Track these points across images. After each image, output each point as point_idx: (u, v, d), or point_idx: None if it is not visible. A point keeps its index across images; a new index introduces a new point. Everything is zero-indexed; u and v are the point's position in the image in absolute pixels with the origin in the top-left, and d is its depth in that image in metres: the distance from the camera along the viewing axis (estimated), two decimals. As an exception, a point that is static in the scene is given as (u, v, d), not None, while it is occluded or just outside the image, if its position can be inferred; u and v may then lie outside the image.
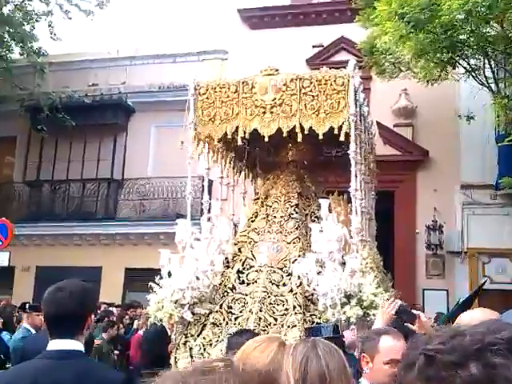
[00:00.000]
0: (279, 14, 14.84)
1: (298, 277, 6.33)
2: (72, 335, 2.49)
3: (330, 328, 4.67)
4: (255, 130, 6.87)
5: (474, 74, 10.74)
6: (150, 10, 30.73)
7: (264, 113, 6.84)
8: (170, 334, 5.98)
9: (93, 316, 3.09)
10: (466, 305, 8.39)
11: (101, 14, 15.72)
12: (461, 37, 9.72)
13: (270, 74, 6.99)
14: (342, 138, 6.47)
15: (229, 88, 7.04)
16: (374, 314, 5.66)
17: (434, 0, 8.90)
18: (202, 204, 7.51)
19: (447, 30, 9.16)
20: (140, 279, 12.97)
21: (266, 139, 6.79)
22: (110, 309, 11.54)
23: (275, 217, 7.30)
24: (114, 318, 10.34)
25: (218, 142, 7.61)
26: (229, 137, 7.11)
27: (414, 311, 4.05)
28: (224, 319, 6.48)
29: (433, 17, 8.98)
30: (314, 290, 6.01)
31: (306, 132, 6.58)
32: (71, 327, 2.49)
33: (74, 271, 13.62)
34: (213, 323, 6.47)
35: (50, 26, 15.13)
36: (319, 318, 6.17)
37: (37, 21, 15.07)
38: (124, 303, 13.59)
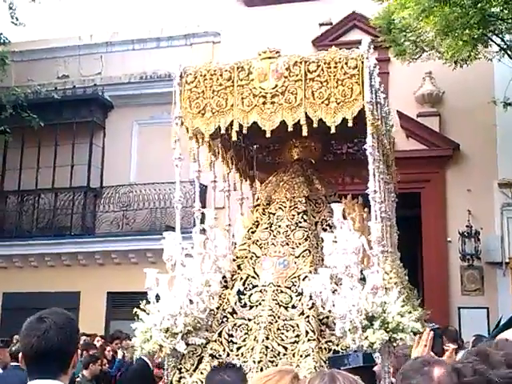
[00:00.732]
0: (279, -12, 14.78)
1: (310, 297, 6.27)
2: (56, 375, 2.46)
3: (359, 356, 4.56)
4: (254, 123, 6.81)
5: (510, 51, 10.69)
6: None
7: (264, 103, 6.80)
8: (152, 369, 5.93)
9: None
10: (507, 327, 8.29)
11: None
12: (493, 9, 9.70)
13: (270, 57, 6.93)
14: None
15: (221, 75, 7.00)
16: (401, 338, 5.60)
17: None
18: (194, 213, 7.44)
19: (477, 1, 9.14)
20: (125, 305, 12.90)
21: (268, 134, 6.73)
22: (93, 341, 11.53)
23: (280, 226, 7.27)
24: (96, 352, 10.31)
25: (211, 138, 7.56)
26: (222, 132, 7.06)
27: (450, 345, 3.94)
28: (224, 350, 6.43)
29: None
30: (329, 311, 5.94)
31: (315, 125, 6.52)
32: (56, 365, 2.46)
33: (48, 297, 13.56)
34: (211, 355, 6.43)
35: (10, 8, 15.06)
36: (337, 345, 6.11)
37: (-6, 2, 15.04)
38: (107, 334, 13.54)
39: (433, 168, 13.26)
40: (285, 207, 7.43)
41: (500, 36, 10.64)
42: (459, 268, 12.84)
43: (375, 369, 5.32)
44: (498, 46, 10.83)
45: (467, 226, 12.65)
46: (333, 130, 6.49)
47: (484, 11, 9.41)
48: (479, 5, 9.22)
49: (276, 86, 6.78)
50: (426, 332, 3.91)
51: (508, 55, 10.78)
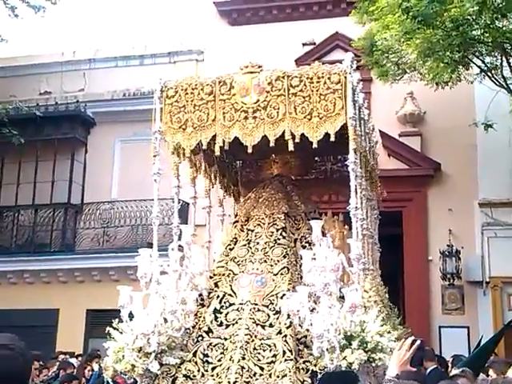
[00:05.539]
0: (263, 8, 14.85)
1: (288, 315, 6.11)
2: None
3: None
4: (237, 139, 6.67)
5: (490, 74, 10.73)
6: (113, 5, 30.75)
7: (246, 118, 6.68)
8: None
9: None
10: (487, 350, 8.15)
11: (53, 11, 15.58)
12: (474, 32, 9.75)
13: (252, 72, 6.83)
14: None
15: (202, 89, 6.87)
16: (380, 358, 5.44)
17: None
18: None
19: (458, 25, 9.18)
20: (105, 323, 12.58)
21: (250, 149, 6.59)
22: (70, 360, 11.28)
23: (258, 243, 7.09)
24: (74, 371, 10.05)
25: (193, 153, 7.41)
26: (204, 147, 6.91)
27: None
28: (199, 370, 6.22)
29: (442, 10, 8.93)
30: (307, 330, 5.76)
31: (297, 140, 6.39)
32: None
33: (26, 315, 13.36)
34: (185, 375, 6.21)
35: (-8, 23, 14.98)
36: (315, 366, 5.92)
37: (-25, 18, 14.94)
38: (86, 352, 13.27)
39: (414, 187, 13.28)
40: (263, 224, 7.27)
41: (480, 58, 10.67)
42: (440, 287, 12.85)
43: None
44: (479, 67, 10.84)
45: (448, 245, 12.67)
46: (315, 145, 6.36)
47: (465, 34, 9.44)
48: (461, 28, 9.22)
49: (258, 100, 6.67)
50: (411, 339, 3.83)
51: (488, 77, 10.78)
